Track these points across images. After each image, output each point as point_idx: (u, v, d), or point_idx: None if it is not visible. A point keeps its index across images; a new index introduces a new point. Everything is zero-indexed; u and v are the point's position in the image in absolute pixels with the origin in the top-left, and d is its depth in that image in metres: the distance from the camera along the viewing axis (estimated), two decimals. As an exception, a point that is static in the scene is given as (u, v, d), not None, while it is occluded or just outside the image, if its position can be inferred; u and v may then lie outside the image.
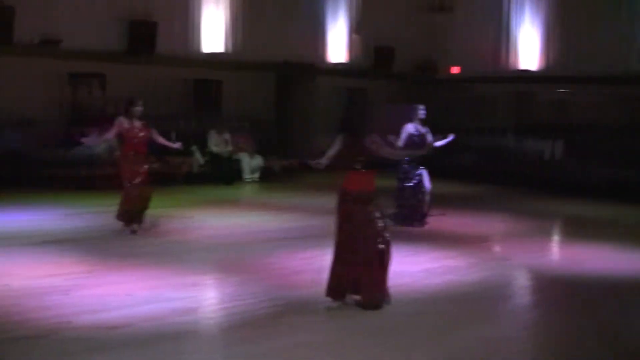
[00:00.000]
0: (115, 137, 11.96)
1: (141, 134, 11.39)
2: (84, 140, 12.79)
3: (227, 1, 20.26)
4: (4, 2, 16.37)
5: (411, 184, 12.87)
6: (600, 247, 11.81)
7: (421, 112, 12.97)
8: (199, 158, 18.06)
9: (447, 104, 24.13)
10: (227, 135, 18.87)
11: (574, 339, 7.23)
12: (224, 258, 10.22)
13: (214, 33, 20.02)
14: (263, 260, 10.03)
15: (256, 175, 19.04)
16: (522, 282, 9.98)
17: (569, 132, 21.57)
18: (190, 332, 7.00)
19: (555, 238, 13.69)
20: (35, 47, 17.09)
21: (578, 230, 13.80)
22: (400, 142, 12.65)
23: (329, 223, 13.36)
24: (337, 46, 22.91)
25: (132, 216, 11.43)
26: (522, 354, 6.82)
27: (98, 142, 12.23)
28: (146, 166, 11.53)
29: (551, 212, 16.28)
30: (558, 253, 12.02)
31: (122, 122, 11.31)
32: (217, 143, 18.65)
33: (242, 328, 7.10)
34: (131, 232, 11.38)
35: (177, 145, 12.27)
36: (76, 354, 6.23)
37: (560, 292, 9.06)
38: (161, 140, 11.99)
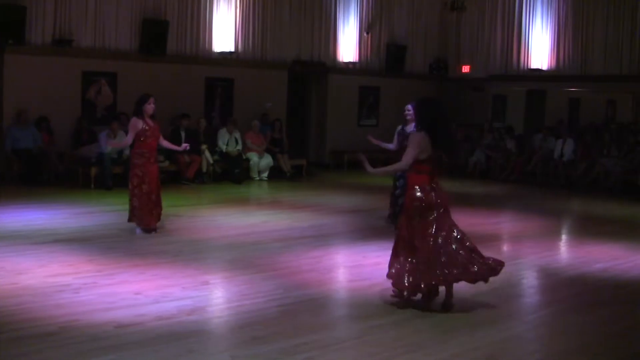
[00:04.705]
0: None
1: (154, 133, 11.30)
2: (110, 143, 12.93)
3: (238, 0, 20.28)
4: (17, 1, 16.42)
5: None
6: (610, 246, 11.78)
7: (405, 112, 12.02)
8: (208, 157, 18.07)
9: (458, 103, 24.16)
10: (237, 134, 18.88)
11: (583, 339, 7.22)
12: (232, 257, 10.23)
13: (225, 32, 20.03)
14: (272, 259, 10.04)
15: (265, 174, 19.04)
16: (531, 281, 9.96)
17: (579, 131, 21.56)
18: (199, 331, 7.02)
19: (566, 237, 13.66)
20: (48, 46, 17.14)
21: (589, 229, 13.76)
22: (393, 146, 12.37)
23: (339, 221, 13.39)
24: (349, 45, 22.90)
25: (143, 217, 11.31)
26: (531, 354, 6.81)
27: (122, 146, 12.06)
28: (156, 165, 11.45)
29: (561, 210, 16.27)
30: (568, 252, 11.98)
31: (137, 123, 11.17)
32: (227, 142, 18.67)
33: (251, 327, 7.10)
34: (145, 232, 11.30)
35: (183, 147, 12.27)
36: (85, 353, 6.26)
37: (569, 292, 9.03)
38: (166, 143, 11.95)
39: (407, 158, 7.85)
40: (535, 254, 11.10)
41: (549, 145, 20.78)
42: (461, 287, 8.81)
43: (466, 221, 13.79)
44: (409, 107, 11.83)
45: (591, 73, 22.00)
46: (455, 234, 7.87)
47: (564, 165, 20.16)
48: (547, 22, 22.82)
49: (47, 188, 15.79)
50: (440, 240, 7.75)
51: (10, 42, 16.39)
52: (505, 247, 12.14)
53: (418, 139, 7.85)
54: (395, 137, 12.35)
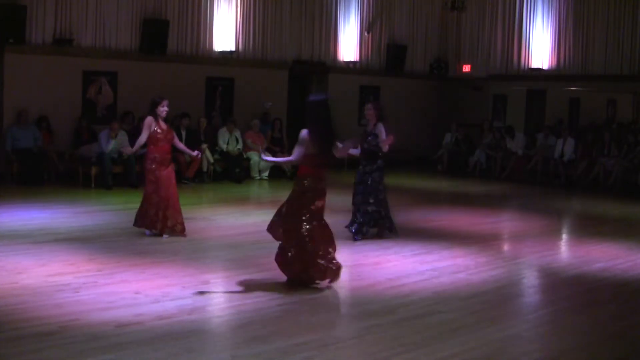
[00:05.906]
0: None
1: (167, 136, 11.17)
2: (128, 150, 12.70)
3: (238, -1, 20.29)
4: (17, 1, 16.41)
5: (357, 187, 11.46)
6: (610, 246, 11.78)
7: (365, 110, 11.76)
8: (208, 156, 18.05)
9: (458, 103, 24.16)
10: (237, 133, 18.87)
11: (582, 338, 7.22)
12: (233, 256, 10.24)
13: (226, 31, 20.02)
14: (272, 258, 10.00)
15: (265, 174, 19.02)
16: (531, 280, 9.96)
17: (580, 130, 21.55)
18: (200, 330, 7.03)
19: (566, 236, 13.65)
20: (48, 45, 17.13)
21: (588, 228, 13.76)
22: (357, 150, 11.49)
23: (339, 221, 13.36)
24: (349, 45, 22.89)
25: (153, 220, 11.14)
26: (531, 353, 6.81)
27: (136, 150, 11.65)
28: (170, 168, 11.28)
29: (561, 210, 16.26)
30: (568, 252, 11.98)
31: (152, 123, 10.99)
32: (228, 141, 18.65)
33: (251, 326, 7.11)
34: (154, 235, 11.14)
35: (195, 153, 12.16)
36: (85, 352, 6.25)
37: (569, 291, 9.03)
38: (180, 145, 11.84)
39: (296, 154, 8.69)
40: (535, 254, 11.10)
41: (549, 144, 20.75)
42: (461, 286, 8.82)
43: (466, 221, 13.86)
44: (369, 105, 11.78)
45: (592, 72, 21.99)
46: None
47: (564, 164, 20.16)
48: (548, 21, 22.81)
49: (47, 188, 15.78)
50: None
51: (10, 42, 16.38)
52: (505, 247, 12.15)
53: (302, 135, 8.63)
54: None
